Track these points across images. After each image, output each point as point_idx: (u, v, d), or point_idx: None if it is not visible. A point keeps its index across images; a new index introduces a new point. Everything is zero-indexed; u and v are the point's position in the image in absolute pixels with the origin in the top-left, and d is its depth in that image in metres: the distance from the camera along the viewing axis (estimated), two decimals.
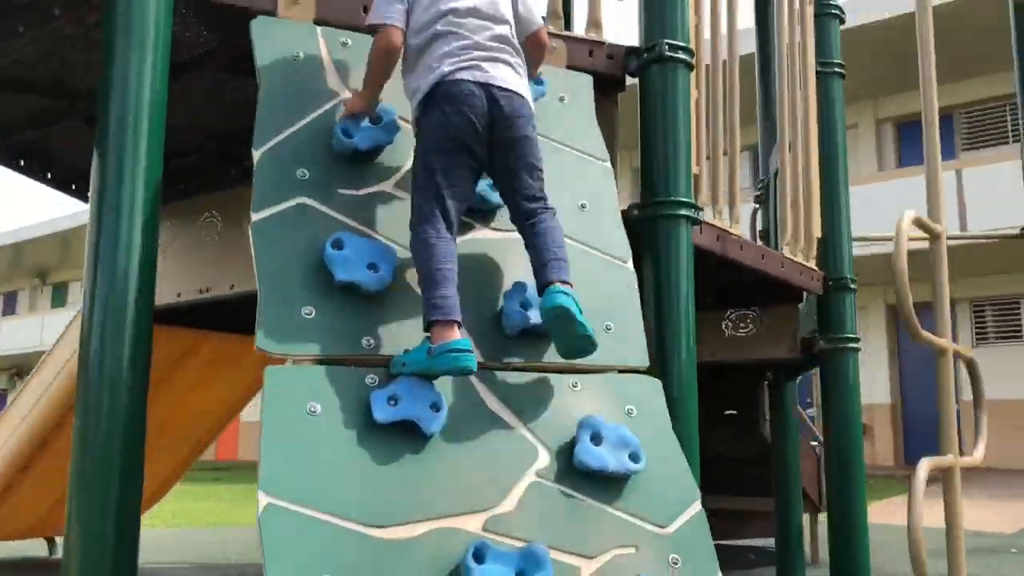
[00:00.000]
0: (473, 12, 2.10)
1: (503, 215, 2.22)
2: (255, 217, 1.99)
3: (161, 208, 3.91)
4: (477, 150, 2.03)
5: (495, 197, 2.19)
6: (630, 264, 2.31)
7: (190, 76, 2.81)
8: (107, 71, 2.07)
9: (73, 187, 3.83)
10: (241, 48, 2.52)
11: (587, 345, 2.01)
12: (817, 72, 3.69)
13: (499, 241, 2.20)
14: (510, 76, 2.08)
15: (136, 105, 2.06)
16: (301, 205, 2.04)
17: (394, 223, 2.10)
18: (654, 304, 2.57)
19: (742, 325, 3.85)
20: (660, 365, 2.46)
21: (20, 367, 36.95)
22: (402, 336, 1.98)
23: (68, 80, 2.85)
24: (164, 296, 3.89)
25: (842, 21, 3.86)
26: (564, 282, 2.00)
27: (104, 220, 2.03)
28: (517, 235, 2.18)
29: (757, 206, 5.04)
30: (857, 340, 3.63)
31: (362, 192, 2.12)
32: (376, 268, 1.98)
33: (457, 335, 1.87)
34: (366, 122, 2.15)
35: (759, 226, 4.84)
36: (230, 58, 2.67)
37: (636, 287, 2.28)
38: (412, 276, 2.06)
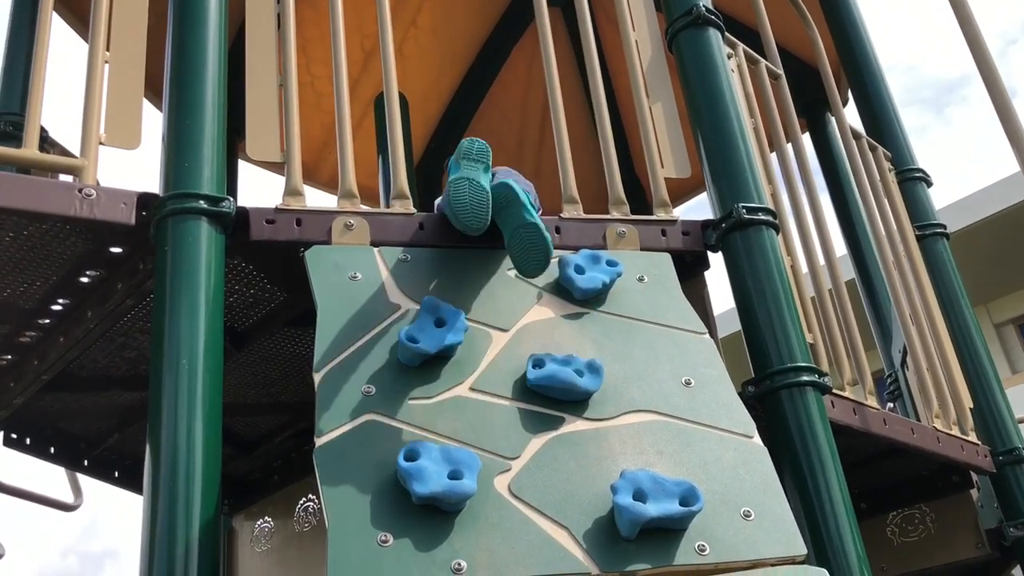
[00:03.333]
0: None
1: (595, 403, 1.94)
2: (318, 443, 1.77)
3: (258, 505, 3.79)
4: None
5: (584, 382, 1.93)
6: (757, 438, 1.96)
7: (259, 342, 2.73)
8: (157, 341, 1.98)
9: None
10: (306, 301, 2.45)
11: (536, 238, 2.00)
12: (917, 237, 3.44)
13: (595, 432, 1.90)
14: None
15: (190, 376, 1.92)
16: (369, 423, 1.82)
17: (474, 427, 1.85)
18: (798, 498, 2.17)
19: (910, 528, 3.30)
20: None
21: None
22: (500, 554, 1.65)
23: (143, 367, 2.80)
24: None
25: (929, 184, 3.66)
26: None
27: (158, 521, 1.81)
28: (614, 423, 1.91)
29: (892, 405, 4.57)
30: None
31: (435, 399, 1.89)
32: (459, 476, 1.70)
33: None
34: (432, 325, 1.97)
35: None
36: (298, 312, 2.59)
37: (770, 462, 1.92)
38: (502, 483, 1.77)
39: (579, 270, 2.19)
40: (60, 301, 2.39)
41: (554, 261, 2.24)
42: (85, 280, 2.30)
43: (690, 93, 2.64)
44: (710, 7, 2.72)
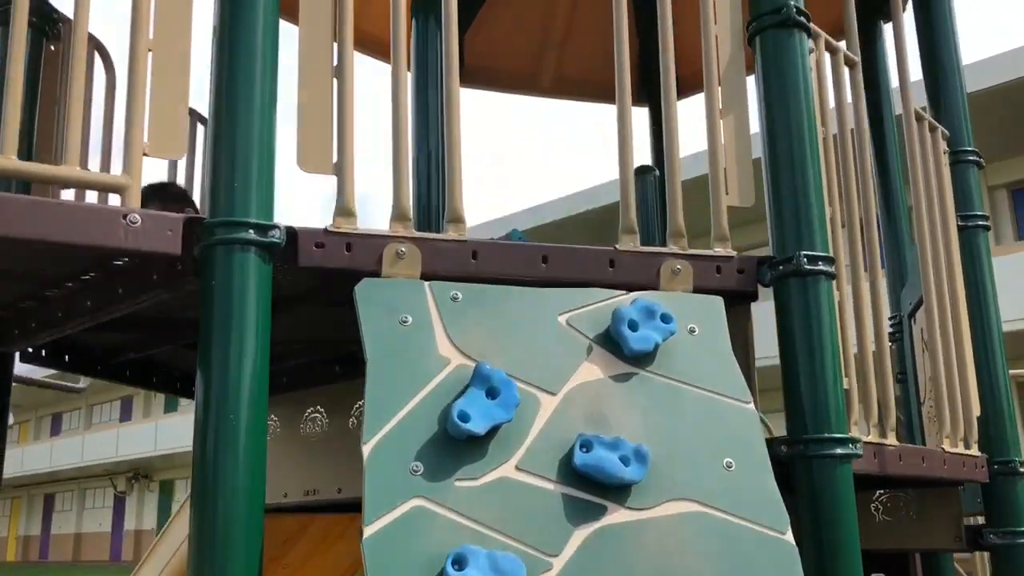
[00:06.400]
0: None
1: (638, 490, 1.96)
2: (367, 532, 1.79)
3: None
4: None
5: (629, 473, 1.93)
6: (789, 534, 2.01)
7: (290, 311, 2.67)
8: (204, 374, 1.95)
9: (178, 386, 3.75)
10: (342, 293, 2.38)
11: None
12: (959, 227, 3.35)
13: (636, 524, 1.93)
14: None
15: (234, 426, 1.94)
16: (417, 509, 1.83)
17: (517, 517, 1.87)
18: (814, 565, 2.25)
19: (893, 508, 3.46)
20: None
21: (137, 471, 38.11)
22: None
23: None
24: (270, 495, 3.76)
25: (980, 167, 3.53)
26: None
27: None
28: (654, 513, 1.94)
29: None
30: None
31: (480, 482, 1.90)
32: None
33: None
34: (483, 397, 1.94)
35: None
36: (330, 301, 2.52)
37: (799, 563, 1.97)
38: None
39: (632, 326, 2.14)
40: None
41: (609, 310, 2.18)
42: (120, 291, 2.22)
43: (766, 109, 2.47)
44: (801, 7, 2.49)
